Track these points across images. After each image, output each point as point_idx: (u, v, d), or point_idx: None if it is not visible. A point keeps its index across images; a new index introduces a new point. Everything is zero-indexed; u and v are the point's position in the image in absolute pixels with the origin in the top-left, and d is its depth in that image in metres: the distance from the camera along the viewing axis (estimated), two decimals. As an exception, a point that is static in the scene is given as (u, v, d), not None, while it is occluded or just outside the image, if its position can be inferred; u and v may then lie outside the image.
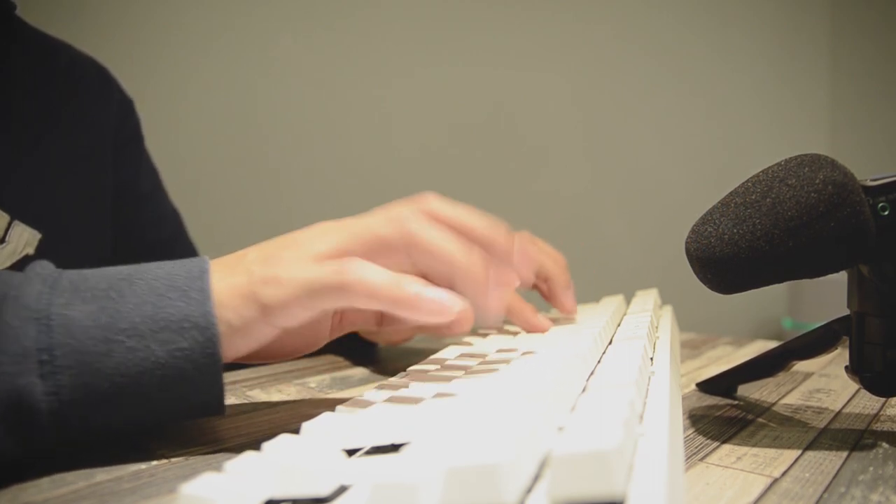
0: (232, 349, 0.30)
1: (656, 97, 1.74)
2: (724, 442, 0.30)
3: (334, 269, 0.29)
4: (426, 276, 0.31)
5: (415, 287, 0.30)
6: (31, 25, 0.55)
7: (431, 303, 0.30)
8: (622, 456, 0.17)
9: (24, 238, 0.48)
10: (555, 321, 0.50)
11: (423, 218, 0.32)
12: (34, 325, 0.26)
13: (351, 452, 0.24)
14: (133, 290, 0.28)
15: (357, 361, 0.53)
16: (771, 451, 0.29)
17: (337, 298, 0.30)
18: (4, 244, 0.46)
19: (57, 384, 0.26)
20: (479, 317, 0.32)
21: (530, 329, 0.43)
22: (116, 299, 0.28)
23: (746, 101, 1.88)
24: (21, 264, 0.47)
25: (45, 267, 0.29)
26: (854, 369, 0.31)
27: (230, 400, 0.40)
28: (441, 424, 0.24)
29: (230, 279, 0.30)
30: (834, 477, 0.26)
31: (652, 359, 0.33)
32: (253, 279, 0.30)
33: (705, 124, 1.82)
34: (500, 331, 0.47)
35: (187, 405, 0.29)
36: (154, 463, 0.28)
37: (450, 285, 0.31)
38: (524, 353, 0.36)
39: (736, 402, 0.38)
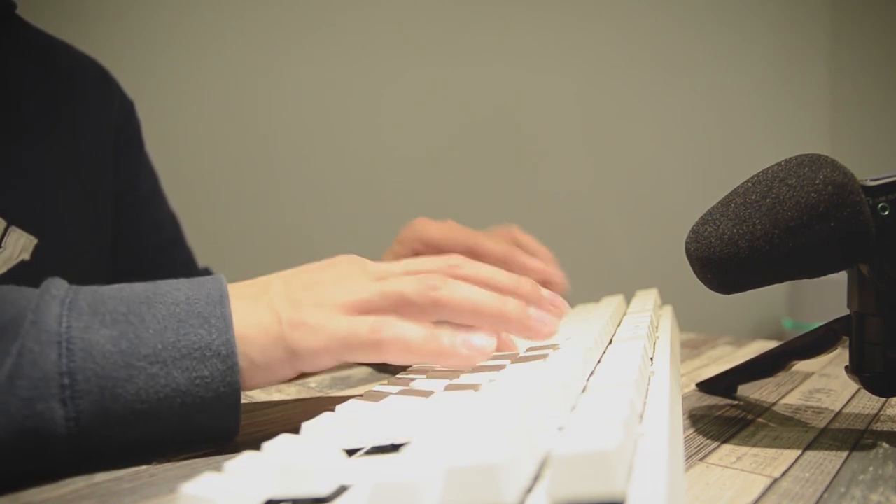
0: (251, 382, 0.30)
1: (657, 97, 1.74)
2: (724, 442, 0.30)
3: (370, 327, 0.30)
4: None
5: (449, 339, 0.30)
6: (32, 25, 0.55)
7: (466, 351, 0.31)
8: (622, 456, 0.17)
9: (21, 243, 0.48)
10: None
11: (449, 280, 0.32)
12: (55, 348, 0.26)
13: (351, 452, 0.24)
14: (153, 314, 0.28)
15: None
16: (771, 451, 0.29)
17: (372, 354, 0.30)
18: (1, 250, 0.46)
19: (77, 409, 0.26)
20: (536, 338, 0.33)
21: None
22: (137, 324, 0.28)
23: (746, 101, 1.89)
24: (17, 270, 0.47)
25: (59, 287, 0.29)
26: (854, 369, 0.31)
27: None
28: (441, 424, 0.24)
29: (255, 315, 0.30)
30: (834, 477, 0.26)
31: (652, 359, 0.33)
32: (281, 320, 0.30)
33: (705, 124, 1.82)
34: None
35: (203, 431, 0.29)
36: (154, 463, 0.28)
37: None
38: (524, 354, 0.36)
39: (736, 402, 0.38)
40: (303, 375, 0.35)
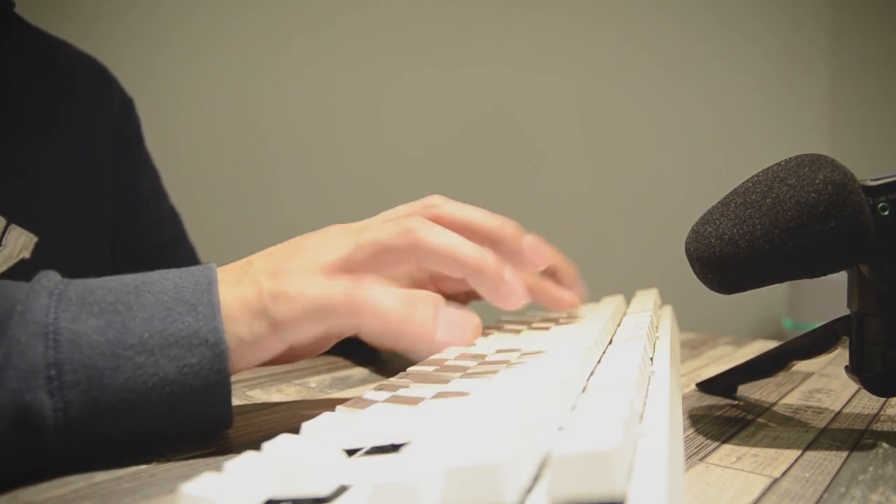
0: (242, 362, 0.30)
1: (657, 97, 1.74)
2: (724, 442, 0.30)
3: (345, 288, 0.29)
4: (439, 279, 0.32)
5: (426, 308, 0.30)
6: (31, 23, 0.55)
7: (443, 324, 0.30)
8: (622, 456, 0.17)
9: (21, 242, 0.48)
10: (555, 321, 0.50)
11: (428, 223, 0.32)
12: (42, 339, 0.26)
13: (351, 452, 0.24)
14: (141, 303, 0.28)
15: (357, 361, 0.53)
16: (771, 451, 0.29)
17: (346, 318, 0.30)
18: (1, 248, 0.46)
19: (65, 400, 0.26)
20: (503, 305, 0.33)
21: (556, 304, 0.45)
22: (124, 313, 0.27)
23: (746, 101, 1.89)
24: (17, 268, 0.47)
25: (49, 279, 0.29)
26: (854, 369, 0.31)
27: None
28: (441, 424, 0.24)
29: (238, 291, 0.30)
30: (834, 477, 0.26)
31: (652, 359, 0.33)
32: (262, 293, 0.30)
33: (705, 124, 1.82)
34: (501, 330, 0.47)
35: (195, 419, 0.29)
36: (154, 463, 0.28)
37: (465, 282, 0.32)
38: (524, 354, 0.36)
39: (736, 402, 0.38)
40: (297, 356, 0.35)
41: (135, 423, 0.28)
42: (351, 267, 0.31)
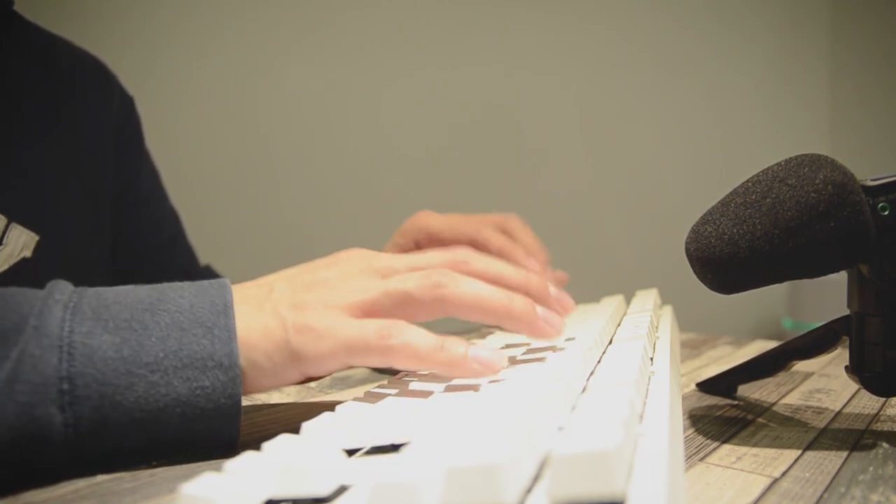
0: (254, 387, 0.30)
1: (656, 97, 1.74)
2: (724, 442, 0.30)
3: (378, 333, 0.30)
4: None
5: (459, 349, 0.30)
6: (32, 23, 0.55)
7: (476, 363, 0.30)
8: (622, 456, 0.17)
9: (22, 240, 0.48)
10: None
11: (455, 275, 0.32)
12: (56, 352, 0.26)
13: (351, 452, 0.24)
14: (156, 321, 0.28)
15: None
16: (771, 451, 0.29)
17: (379, 359, 0.30)
18: (2, 246, 0.46)
19: (76, 415, 0.26)
20: (544, 339, 0.34)
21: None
22: (140, 331, 0.27)
23: (746, 101, 1.89)
24: (18, 267, 0.47)
25: (62, 291, 0.28)
26: (854, 369, 0.31)
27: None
28: (441, 424, 0.24)
29: (259, 319, 0.30)
30: (834, 477, 0.26)
31: (652, 359, 0.33)
32: (286, 325, 0.30)
33: (705, 124, 1.82)
34: (504, 330, 0.47)
35: (202, 441, 0.29)
36: (154, 463, 0.28)
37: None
38: (525, 353, 0.36)
39: (736, 402, 0.38)
40: (309, 379, 0.35)
41: (142, 441, 0.28)
42: (375, 312, 0.31)
